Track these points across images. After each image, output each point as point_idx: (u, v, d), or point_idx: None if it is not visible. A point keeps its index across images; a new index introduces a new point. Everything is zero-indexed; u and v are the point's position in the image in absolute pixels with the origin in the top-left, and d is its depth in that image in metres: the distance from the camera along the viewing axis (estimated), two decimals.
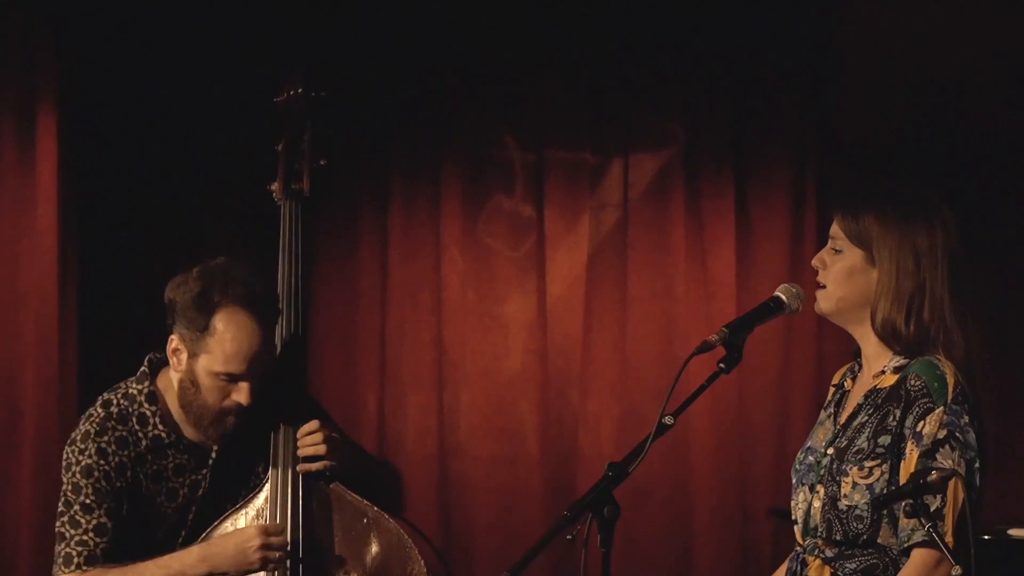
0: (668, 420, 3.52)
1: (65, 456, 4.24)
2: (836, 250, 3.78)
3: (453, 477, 6.28)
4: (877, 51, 6.32)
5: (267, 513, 4.16)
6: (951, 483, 3.55)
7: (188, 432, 4.27)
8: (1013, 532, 5.30)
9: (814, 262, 3.81)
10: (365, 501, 4.17)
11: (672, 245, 6.26)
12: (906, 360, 3.72)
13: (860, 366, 3.87)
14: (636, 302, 6.27)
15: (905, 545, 3.60)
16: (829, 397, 3.92)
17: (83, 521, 4.17)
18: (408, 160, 6.31)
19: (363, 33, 6.18)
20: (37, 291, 5.71)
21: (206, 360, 4.16)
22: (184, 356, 4.19)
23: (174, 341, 4.21)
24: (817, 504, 3.74)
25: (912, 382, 3.66)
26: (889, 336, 3.73)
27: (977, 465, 3.62)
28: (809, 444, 3.84)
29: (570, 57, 6.30)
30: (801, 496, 3.79)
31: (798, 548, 3.79)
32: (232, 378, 4.17)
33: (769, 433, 6.23)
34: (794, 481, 3.85)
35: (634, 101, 6.31)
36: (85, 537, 4.16)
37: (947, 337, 3.71)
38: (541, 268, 6.30)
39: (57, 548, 4.21)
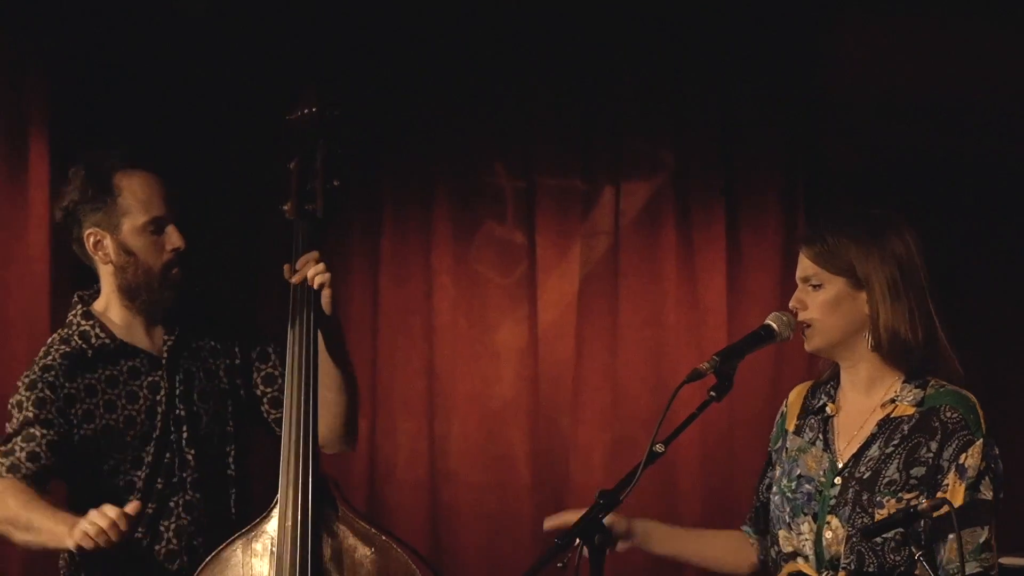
0: (659, 448, 3.51)
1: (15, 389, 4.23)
2: (814, 286, 3.76)
3: (444, 503, 6.28)
4: (864, 78, 6.34)
5: (277, 540, 4.14)
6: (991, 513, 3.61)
7: (132, 339, 4.27)
8: (1004, 560, 5.29)
9: (792, 304, 3.79)
10: (373, 529, 4.16)
11: (663, 272, 6.27)
12: (921, 390, 3.71)
13: (835, 389, 3.85)
14: (627, 329, 6.27)
15: None
16: (793, 422, 3.90)
17: (16, 436, 4.14)
18: (399, 187, 6.33)
19: (354, 60, 6.20)
20: (28, 318, 5.71)
21: (129, 222, 4.22)
22: (108, 240, 4.24)
23: (92, 236, 4.25)
24: (830, 535, 3.71)
25: (948, 414, 3.66)
26: (899, 353, 3.71)
27: (1001, 495, 3.66)
28: (799, 473, 3.81)
29: (560, 85, 6.32)
30: (805, 527, 3.76)
31: None
32: (158, 225, 4.23)
33: (759, 461, 6.18)
34: (788, 511, 3.81)
35: (624, 128, 6.33)
36: (11, 446, 4.13)
37: (944, 348, 3.73)
38: (532, 295, 6.31)
39: None
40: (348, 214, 6.27)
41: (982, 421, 3.67)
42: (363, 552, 4.13)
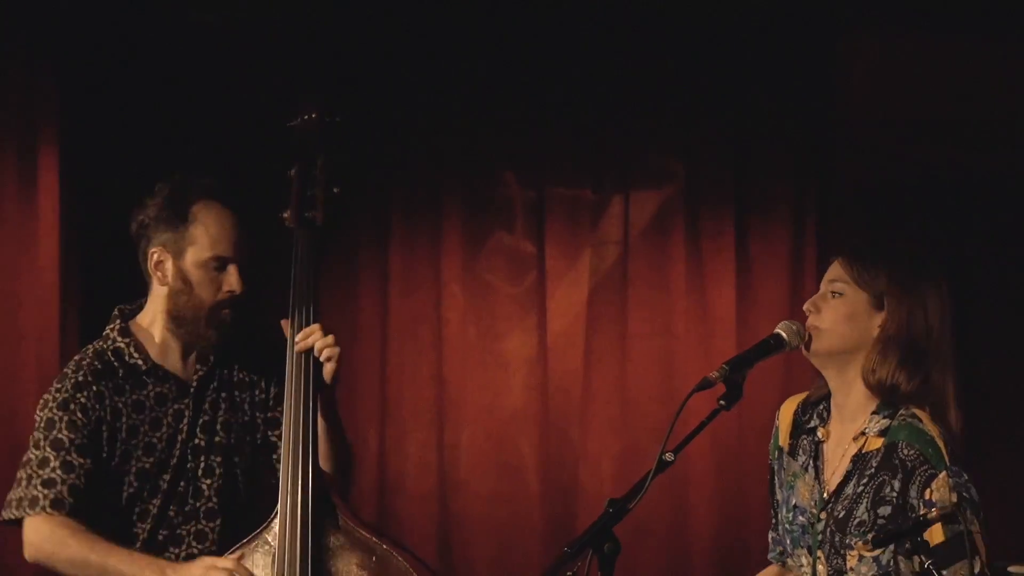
0: (668, 457, 3.51)
1: (41, 400, 4.20)
2: (835, 293, 3.75)
3: (454, 513, 6.28)
4: (876, 92, 6.35)
5: (277, 551, 4.13)
6: (978, 544, 3.57)
7: (165, 362, 4.26)
8: (1013, 569, 5.28)
9: (807, 306, 3.78)
10: (374, 538, 4.15)
11: (672, 282, 6.27)
12: (887, 420, 3.70)
13: (828, 412, 3.83)
14: (636, 339, 6.27)
15: None
16: (787, 439, 3.89)
17: (52, 458, 4.10)
18: (408, 196, 6.33)
19: (363, 70, 6.20)
20: (38, 328, 5.72)
21: (194, 252, 4.21)
22: (169, 263, 4.22)
23: (156, 254, 4.24)
24: (821, 569, 3.72)
25: (905, 451, 3.65)
26: (886, 391, 3.71)
27: (983, 517, 3.64)
28: (795, 502, 3.81)
29: (570, 94, 6.32)
30: (804, 559, 3.76)
31: None
32: (221, 263, 4.22)
33: (768, 470, 6.21)
34: (788, 541, 3.82)
35: (634, 138, 6.33)
36: (52, 476, 4.08)
37: (941, 397, 3.70)
38: (542, 304, 6.31)
39: (19, 491, 4.11)
40: (357, 224, 6.27)
41: (944, 452, 3.63)
42: (363, 561, 4.12)
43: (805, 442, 3.83)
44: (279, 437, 4.30)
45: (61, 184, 5.76)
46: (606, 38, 6.29)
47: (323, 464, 4.25)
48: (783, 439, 3.89)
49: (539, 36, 6.29)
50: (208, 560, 4.06)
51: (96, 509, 4.16)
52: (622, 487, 3.57)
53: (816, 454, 3.80)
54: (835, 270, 3.78)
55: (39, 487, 4.10)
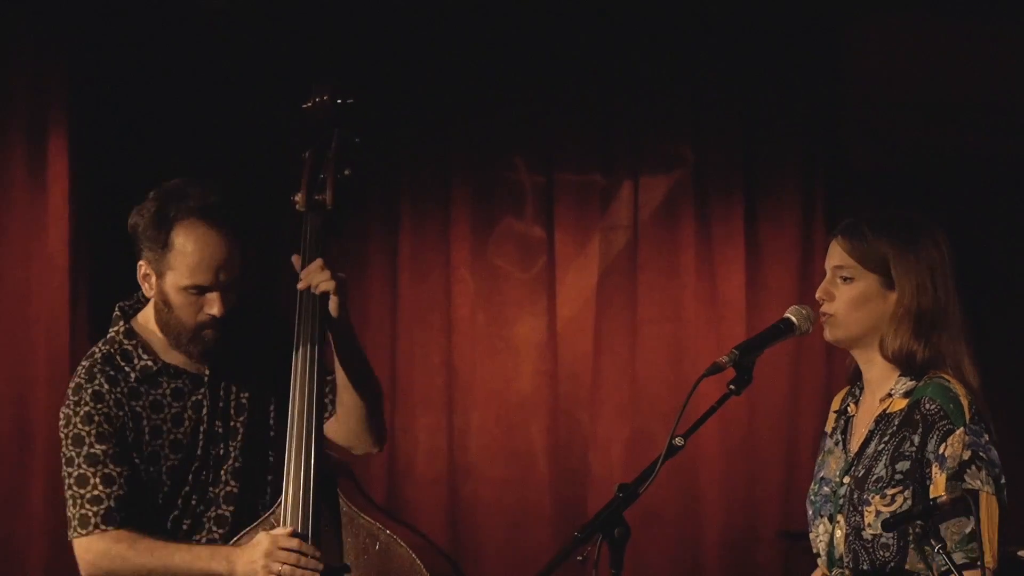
0: (678, 441, 3.50)
1: (61, 415, 4.14)
2: (845, 278, 3.74)
3: (463, 499, 6.29)
4: (884, 75, 6.34)
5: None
6: (983, 503, 3.55)
7: (173, 358, 4.24)
8: (1023, 553, 5.28)
9: (818, 294, 3.77)
10: (377, 524, 4.14)
11: (682, 267, 6.27)
12: (914, 382, 3.70)
13: (860, 390, 3.84)
14: (646, 324, 6.28)
15: (944, 569, 3.57)
16: (832, 424, 3.90)
17: (90, 475, 4.07)
18: (417, 182, 6.33)
19: (372, 55, 6.21)
20: (48, 313, 5.73)
21: (172, 277, 4.12)
22: (153, 279, 4.15)
23: (143, 267, 4.17)
24: (839, 534, 3.72)
25: (927, 406, 3.64)
26: (903, 361, 3.71)
27: (1003, 481, 3.63)
28: (822, 474, 3.81)
29: (579, 79, 6.32)
30: (821, 528, 3.77)
31: None
32: (200, 290, 4.12)
33: (778, 455, 6.23)
34: (811, 513, 3.82)
35: (643, 123, 6.33)
36: (96, 492, 4.07)
37: (956, 360, 3.70)
38: (551, 290, 6.31)
39: (70, 512, 4.08)
40: (366, 210, 6.27)
41: (966, 410, 3.62)
42: (365, 548, 4.12)
43: (842, 421, 3.85)
44: None
45: (71, 170, 5.77)
46: (615, 23, 6.29)
47: (351, 406, 4.21)
48: (829, 425, 3.90)
49: (548, 21, 6.29)
50: (265, 541, 4.02)
51: (137, 511, 4.15)
52: (632, 472, 3.57)
53: (845, 428, 3.81)
54: (838, 254, 3.76)
55: (87, 506, 4.08)
